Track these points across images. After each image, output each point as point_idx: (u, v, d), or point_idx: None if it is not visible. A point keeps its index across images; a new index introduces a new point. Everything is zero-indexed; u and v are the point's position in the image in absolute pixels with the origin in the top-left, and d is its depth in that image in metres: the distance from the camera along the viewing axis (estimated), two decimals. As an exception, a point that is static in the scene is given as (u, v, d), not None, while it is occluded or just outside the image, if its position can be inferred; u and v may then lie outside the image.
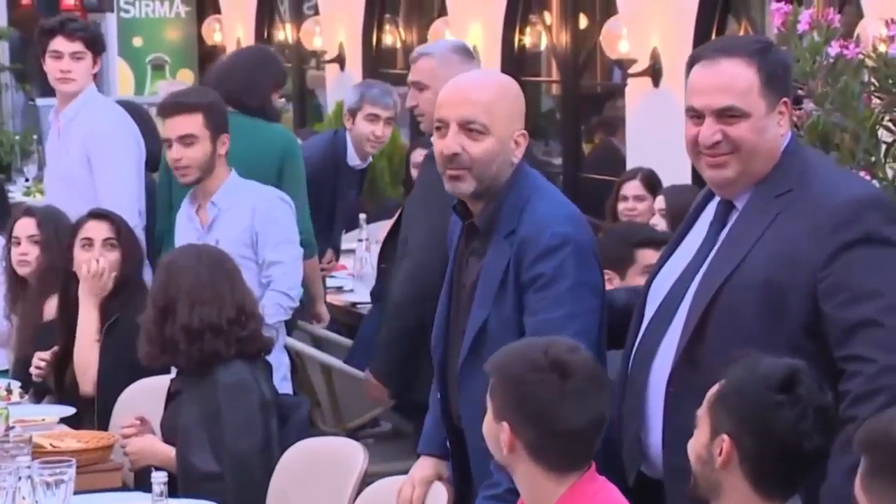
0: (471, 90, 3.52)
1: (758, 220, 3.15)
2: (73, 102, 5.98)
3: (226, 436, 4.12)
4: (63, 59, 5.90)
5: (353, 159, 6.87)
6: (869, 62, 4.38)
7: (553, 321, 3.37)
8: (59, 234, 5.28)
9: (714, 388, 2.81)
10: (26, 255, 5.36)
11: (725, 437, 2.75)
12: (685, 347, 3.13)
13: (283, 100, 6.60)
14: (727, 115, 3.14)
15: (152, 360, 4.38)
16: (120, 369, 4.82)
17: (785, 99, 3.18)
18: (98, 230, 5.03)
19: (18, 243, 5.38)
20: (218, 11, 13.65)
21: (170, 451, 4.21)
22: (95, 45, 5.99)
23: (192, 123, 5.09)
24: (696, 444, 2.81)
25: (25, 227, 5.39)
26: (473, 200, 3.53)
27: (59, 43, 5.91)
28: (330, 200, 6.60)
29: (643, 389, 3.20)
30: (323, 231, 6.20)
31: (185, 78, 13.50)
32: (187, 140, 5.09)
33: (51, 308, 5.26)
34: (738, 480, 2.76)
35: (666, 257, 3.35)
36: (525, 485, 3.01)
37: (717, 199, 3.31)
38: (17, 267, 5.38)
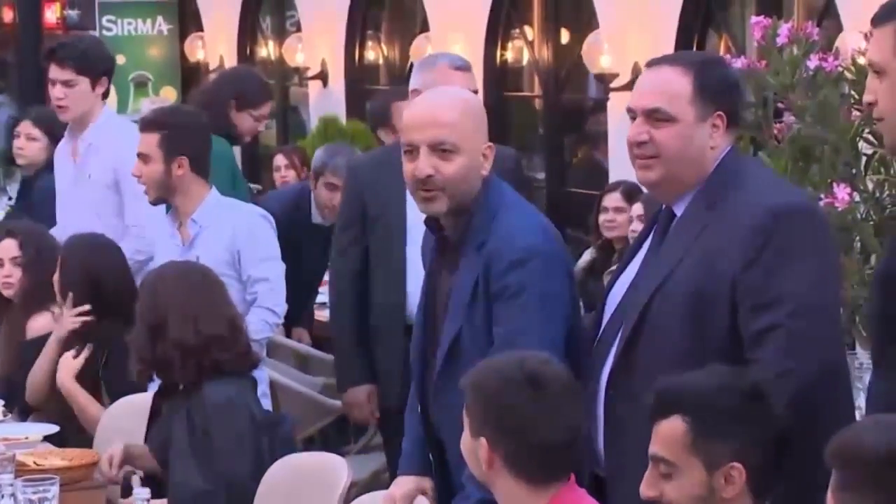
0: (437, 111, 3.54)
1: (688, 231, 3.23)
2: (89, 128, 5.94)
3: (216, 457, 4.10)
4: (56, 86, 5.88)
5: (317, 217, 6.86)
6: (848, 75, 4.41)
7: (520, 331, 3.39)
8: (41, 253, 5.28)
9: (680, 429, 2.80)
10: (10, 278, 5.35)
11: (736, 464, 2.77)
12: (621, 353, 3.21)
13: (258, 123, 6.34)
14: (655, 116, 3.23)
15: (146, 378, 4.38)
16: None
17: (720, 113, 3.24)
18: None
19: (2, 265, 5.36)
20: (200, 29, 13.66)
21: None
22: (90, 70, 5.89)
23: (147, 143, 5.13)
24: (686, 491, 2.79)
25: (8, 248, 5.38)
26: (446, 217, 3.55)
27: (53, 70, 5.89)
28: (295, 258, 6.16)
29: (595, 393, 3.27)
30: (293, 294, 5.57)
31: (169, 95, 13.50)
32: (144, 158, 5.14)
33: (35, 325, 5.25)
34: (744, 499, 2.80)
35: (625, 264, 3.41)
36: (504, 498, 3.01)
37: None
38: (2, 289, 5.37)
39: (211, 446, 4.11)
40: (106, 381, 4.91)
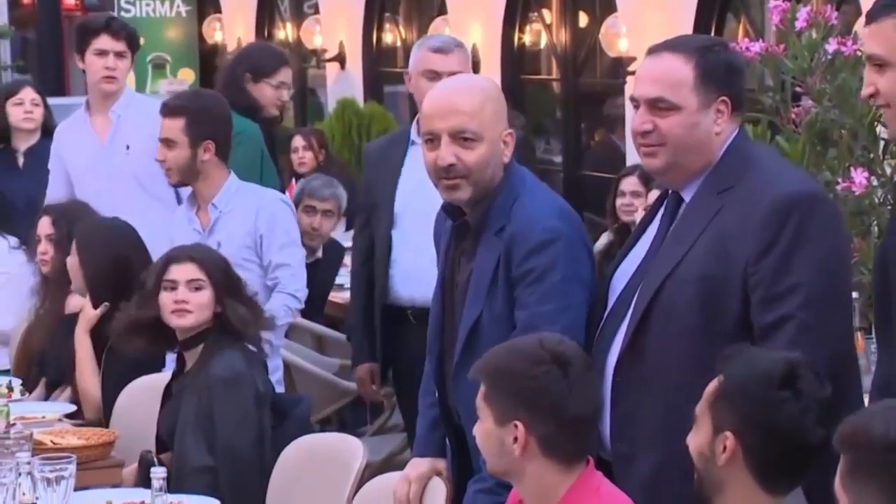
0: (457, 99, 3.53)
1: (700, 216, 3.22)
2: (119, 101, 5.93)
3: (219, 429, 4.12)
4: (108, 57, 5.87)
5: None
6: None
7: (544, 315, 3.39)
8: (72, 232, 5.29)
9: (712, 386, 2.81)
10: (45, 255, 5.38)
11: (729, 434, 2.76)
12: (630, 339, 3.20)
13: (279, 90, 6.25)
14: (658, 105, 3.22)
15: (142, 350, 4.42)
16: (122, 380, 4.85)
17: (724, 98, 3.23)
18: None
19: (39, 242, 5.41)
20: (218, 10, 13.67)
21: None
22: (135, 46, 5.98)
23: (173, 127, 5.12)
24: (697, 443, 2.82)
25: (43, 226, 5.42)
26: (468, 204, 3.56)
27: (104, 41, 5.87)
28: None
29: (600, 378, 3.26)
30: None
31: (186, 77, 13.52)
32: (168, 143, 5.13)
33: (73, 302, 5.29)
34: (742, 476, 2.77)
35: (628, 250, 3.40)
36: (532, 484, 3.01)
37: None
38: (40, 265, 5.42)
39: (214, 420, 4.13)
40: (107, 362, 4.92)
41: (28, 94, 7.12)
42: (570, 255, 3.45)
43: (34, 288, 5.49)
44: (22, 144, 7.07)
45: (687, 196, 3.27)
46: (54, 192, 5.97)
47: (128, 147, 5.86)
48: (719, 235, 3.16)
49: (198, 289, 4.26)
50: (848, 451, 2.35)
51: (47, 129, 7.17)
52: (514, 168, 3.57)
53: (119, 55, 5.87)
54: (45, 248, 5.37)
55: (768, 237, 3.10)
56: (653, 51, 3.29)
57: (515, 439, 2.96)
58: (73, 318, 5.17)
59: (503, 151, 3.52)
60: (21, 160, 7.06)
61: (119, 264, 4.85)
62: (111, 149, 5.88)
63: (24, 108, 7.03)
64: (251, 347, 4.31)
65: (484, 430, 3.02)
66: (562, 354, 2.98)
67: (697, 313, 3.14)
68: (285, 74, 6.21)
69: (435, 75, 4.85)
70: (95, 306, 4.91)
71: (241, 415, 4.13)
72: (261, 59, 6.24)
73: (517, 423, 2.96)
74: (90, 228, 5.05)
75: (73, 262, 5.05)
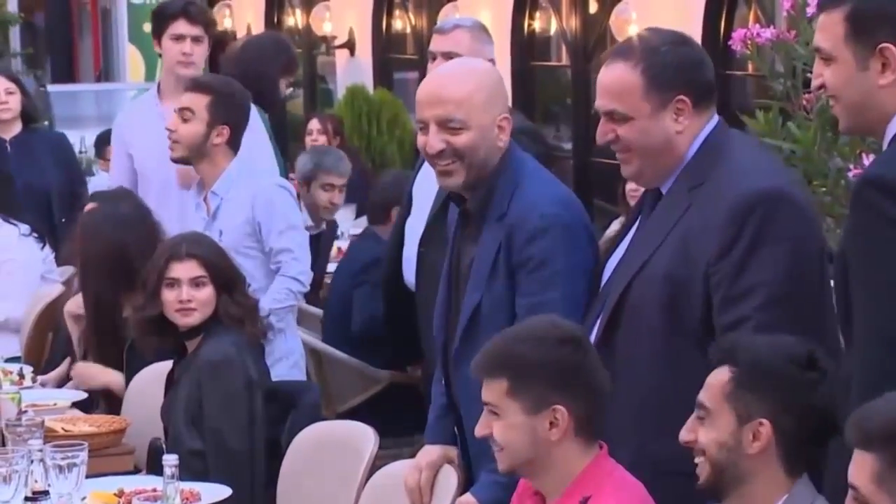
0: (444, 88, 3.54)
1: (669, 214, 3.22)
2: None
3: (206, 413, 4.13)
4: (185, 41, 5.84)
5: (307, 222, 6.76)
6: (878, 45, 4.37)
7: (546, 303, 3.39)
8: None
9: (722, 378, 2.80)
10: None
11: (765, 421, 2.75)
12: (602, 334, 3.22)
13: (290, 89, 6.56)
14: (614, 117, 3.25)
15: (152, 345, 4.44)
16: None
17: (682, 96, 3.22)
18: None
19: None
20: (228, -4, 13.66)
21: (112, 376, 4.74)
22: (213, 31, 6.00)
23: (196, 101, 5.11)
24: (714, 436, 2.80)
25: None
26: (465, 190, 3.57)
27: (181, 26, 5.84)
28: None
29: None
30: None
31: (195, 63, 13.51)
32: (185, 114, 5.11)
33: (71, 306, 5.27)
34: (772, 462, 2.77)
35: (617, 244, 3.41)
36: (554, 469, 3.02)
37: None
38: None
39: (202, 404, 4.14)
40: (129, 359, 4.92)
41: (1, 82, 7.08)
42: (571, 242, 3.46)
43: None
44: (6, 134, 7.06)
45: (665, 190, 3.28)
46: (116, 179, 5.92)
47: None
48: (684, 235, 3.16)
49: (200, 285, 4.27)
50: (882, 447, 2.33)
51: (29, 117, 7.16)
52: (515, 154, 3.57)
53: (196, 40, 5.85)
54: None
55: (728, 237, 3.09)
56: (608, 58, 3.31)
57: (551, 424, 2.98)
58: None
59: (497, 136, 3.52)
60: (9, 149, 7.04)
61: (115, 254, 4.82)
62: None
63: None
64: (248, 333, 4.30)
65: (509, 426, 3.01)
66: (574, 334, 3.03)
67: (663, 312, 3.15)
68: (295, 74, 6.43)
69: (433, 56, 4.85)
70: (84, 293, 4.85)
71: (228, 399, 4.13)
72: (289, 59, 6.44)
73: (557, 406, 2.97)
74: (93, 216, 5.00)
75: (74, 248, 5.03)
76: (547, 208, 3.47)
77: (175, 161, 5.24)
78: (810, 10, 4.39)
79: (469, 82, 3.54)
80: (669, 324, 3.14)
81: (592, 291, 3.45)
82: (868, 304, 2.73)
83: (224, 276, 4.31)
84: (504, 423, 3.02)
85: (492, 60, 4.56)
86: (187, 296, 4.23)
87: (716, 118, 3.29)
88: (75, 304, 5.09)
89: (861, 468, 2.36)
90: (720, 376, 2.80)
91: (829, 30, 2.85)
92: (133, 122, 5.92)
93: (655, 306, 3.16)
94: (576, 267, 3.45)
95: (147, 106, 5.92)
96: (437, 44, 4.89)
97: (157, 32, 5.93)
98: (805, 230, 3.15)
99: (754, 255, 3.08)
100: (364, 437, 4.10)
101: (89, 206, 5.18)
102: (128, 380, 4.86)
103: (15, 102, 7.04)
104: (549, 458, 3.01)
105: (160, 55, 6.01)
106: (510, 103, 3.78)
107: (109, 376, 4.86)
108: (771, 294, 3.06)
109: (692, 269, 3.13)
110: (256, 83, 5.72)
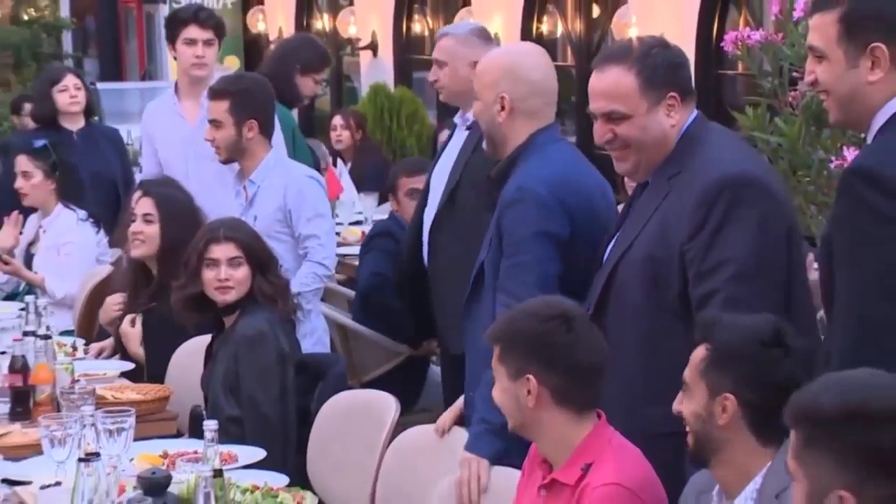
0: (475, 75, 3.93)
1: (652, 201, 3.24)
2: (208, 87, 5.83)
3: (243, 383, 4.14)
4: (197, 45, 5.86)
5: None
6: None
7: (520, 264, 3.52)
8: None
9: (699, 354, 2.79)
10: (141, 233, 5.19)
11: (729, 395, 2.75)
12: (591, 317, 3.21)
13: (318, 85, 6.54)
14: (613, 117, 3.26)
15: (185, 316, 4.43)
16: (164, 339, 4.86)
17: (672, 92, 3.25)
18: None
19: (135, 218, 5.10)
20: (261, 2, 13.65)
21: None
22: (221, 33, 5.98)
23: (218, 109, 5.13)
24: (692, 408, 2.80)
25: (145, 205, 5.16)
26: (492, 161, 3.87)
27: (192, 31, 5.87)
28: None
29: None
30: None
31: (232, 63, 13.49)
32: (215, 123, 5.14)
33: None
34: (742, 433, 2.76)
35: (615, 231, 3.43)
36: (548, 435, 3.03)
37: None
38: (133, 240, 5.27)
39: (239, 375, 4.14)
40: (148, 325, 4.92)
41: (71, 80, 7.08)
42: (541, 213, 3.55)
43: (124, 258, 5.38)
44: (73, 126, 7.08)
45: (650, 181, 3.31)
46: (148, 169, 5.96)
47: None
48: (663, 220, 3.18)
49: (237, 265, 4.28)
50: (799, 425, 2.29)
51: (90, 111, 7.19)
52: (536, 138, 3.73)
53: (207, 43, 5.87)
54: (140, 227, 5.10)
55: (699, 218, 3.11)
56: (597, 65, 3.32)
57: (529, 392, 2.98)
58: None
59: (497, 112, 3.74)
60: (77, 140, 7.06)
61: (187, 243, 4.79)
62: (200, 131, 5.78)
63: (69, 94, 7.00)
64: (281, 310, 4.31)
65: (501, 389, 3.04)
66: (566, 312, 3.01)
67: (645, 292, 3.18)
68: (326, 72, 6.33)
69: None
70: (161, 274, 4.81)
71: (263, 370, 4.14)
72: (314, 57, 6.39)
73: (529, 376, 2.98)
74: (177, 204, 4.91)
75: (150, 230, 4.96)
76: (523, 183, 3.60)
77: (224, 163, 5.23)
78: (797, 14, 4.39)
79: (479, 69, 3.86)
80: (652, 301, 3.17)
81: (570, 258, 3.54)
82: (848, 286, 2.72)
83: (258, 257, 4.32)
84: (498, 387, 3.05)
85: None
86: (225, 275, 4.24)
87: (695, 112, 3.31)
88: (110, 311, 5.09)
89: (791, 443, 2.34)
90: (698, 353, 2.79)
91: (822, 30, 2.84)
92: (156, 118, 5.97)
93: (638, 286, 3.19)
94: (544, 235, 3.56)
95: (167, 104, 5.97)
96: (434, 51, 5.02)
97: (171, 38, 5.96)
98: (770, 211, 3.15)
99: (721, 234, 3.10)
100: (386, 404, 4.10)
101: (137, 192, 5.18)
102: (146, 345, 4.87)
103: (82, 97, 7.06)
104: (539, 424, 3.01)
105: (175, 58, 6.02)
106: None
107: (138, 349, 4.87)
108: (738, 269, 3.07)
109: (670, 250, 3.15)
110: (274, 80, 5.71)
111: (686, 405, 2.80)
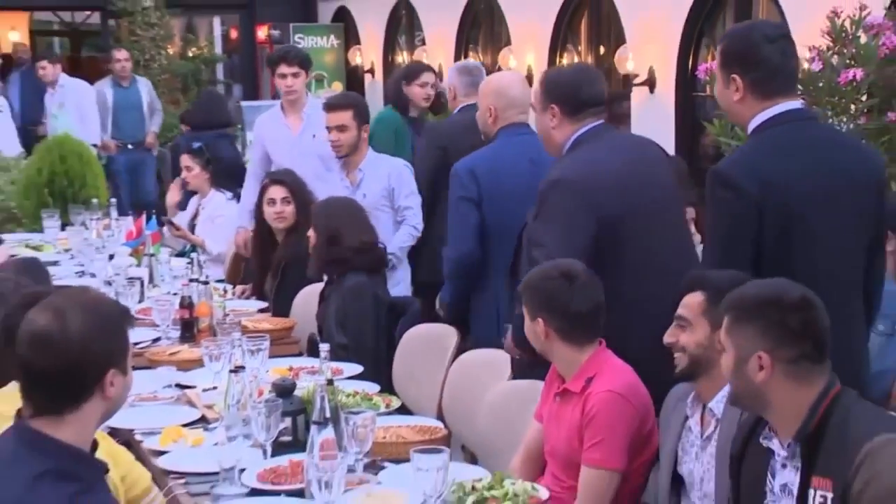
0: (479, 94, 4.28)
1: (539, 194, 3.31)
2: (307, 105, 5.85)
3: (349, 322, 4.14)
4: (287, 78, 5.84)
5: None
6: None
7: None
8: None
9: (700, 299, 2.78)
10: (283, 213, 5.05)
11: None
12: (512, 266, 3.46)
13: (424, 89, 6.32)
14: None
15: (320, 273, 4.43)
16: (289, 286, 4.86)
17: (552, 105, 3.32)
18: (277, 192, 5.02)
19: (275, 203, 5.03)
20: (358, 43, 13.63)
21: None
22: (306, 66, 5.93)
23: (345, 117, 5.11)
24: (695, 339, 2.76)
25: (278, 192, 5.08)
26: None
27: (283, 68, 5.84)
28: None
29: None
30: None
31: (336, 87, 13.52)
32: (342, 128, 5.11)
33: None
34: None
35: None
36: (559, 359, 3.03)
37: None
38: (276, 222, 5.07)
39: (346, 315, 4.14)
40: (282, 275, 4.90)
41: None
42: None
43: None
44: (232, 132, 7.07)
45: None
46: (254, 164, 5.92)
47: (314, 136, 5.79)
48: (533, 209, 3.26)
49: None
50: (730, 310, 2.38)
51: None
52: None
53: (294, 75, 5.83)
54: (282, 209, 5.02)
55: (535, 208, 3.20)
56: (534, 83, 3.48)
57: (540, 330, 2.99)
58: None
59: (488, 118, 4.11)
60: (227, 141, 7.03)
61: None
62: (301, 138, 5.83)
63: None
64: (370, 269, 4.27)
65: (527, 328, 3.04)
66: (568, 271, 2.98)
67: (526, 250, 3.32)
68: (427, 77, 6.27)
69: None
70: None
71: (364, 313, 4.14)
72: (408, 68, 6.41)
73: (539, 319, 2.98)
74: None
75: (289, 209, 4.94)
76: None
77: (341, 158, 5.17)
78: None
79: (481, 88, 4.22)
80: (528, 256, 3.25)
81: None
82: (708, 248, 2.83)
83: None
84: (527, 324, 3.04)
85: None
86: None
87: (590, 125, 3.28)
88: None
89: (723, 325, 2.40)
90: (696, 298, 2.77)
91: (716, 67, 2.92)
92: (268, 126, 5.92)
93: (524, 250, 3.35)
94: (462, 200, 4.05)
95: (276, 116, 5.94)
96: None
97: (272, 72, 5.94)
98: (574, 207, 3.15)
99: (542, 221, 3.18)
100: (450, 335, 4.11)
101: (270, 182, 5.20)
102: (277, 291, 4.85)
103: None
104: (551, 351, 3.01)
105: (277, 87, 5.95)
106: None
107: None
108: (551, 251, 3.12)
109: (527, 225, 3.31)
110: (393, 95, 5.78)
111: (686, 337, 2.76)
